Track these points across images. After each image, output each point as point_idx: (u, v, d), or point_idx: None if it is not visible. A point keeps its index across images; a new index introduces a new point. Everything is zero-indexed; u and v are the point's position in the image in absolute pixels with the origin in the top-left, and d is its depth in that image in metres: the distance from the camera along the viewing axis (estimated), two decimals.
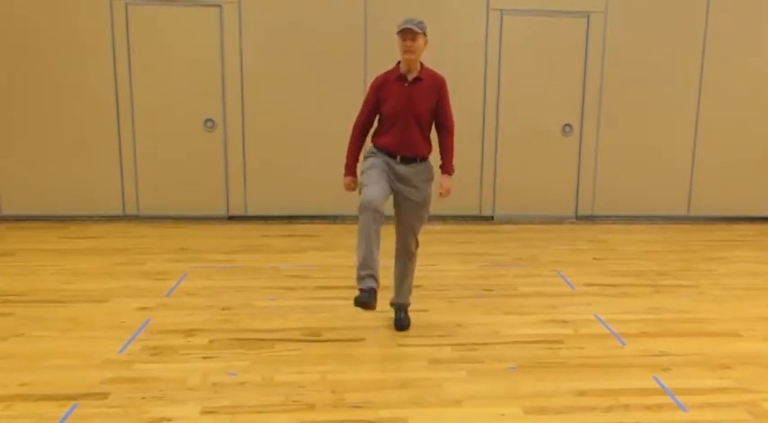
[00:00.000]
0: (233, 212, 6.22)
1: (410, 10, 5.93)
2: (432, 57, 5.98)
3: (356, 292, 3.14)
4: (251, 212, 6.23)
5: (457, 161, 6.11)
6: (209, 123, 6.04)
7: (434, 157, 3.49)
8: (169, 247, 5.22)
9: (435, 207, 6.22)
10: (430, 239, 5.64)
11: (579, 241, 5.70)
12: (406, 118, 3.34)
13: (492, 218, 6.44)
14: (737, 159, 6.45)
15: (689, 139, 6.40)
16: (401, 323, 3.58)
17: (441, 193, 3.49)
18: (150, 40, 5.86)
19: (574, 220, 6.50)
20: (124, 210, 6.13)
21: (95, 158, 6.01)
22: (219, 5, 5.85)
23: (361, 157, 3.51)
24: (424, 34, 3.33)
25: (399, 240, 3.53)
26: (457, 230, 6.03)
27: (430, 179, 3.47)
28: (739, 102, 6.34)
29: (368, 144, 3.53)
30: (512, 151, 6.31)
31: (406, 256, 3.54)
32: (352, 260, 4.17)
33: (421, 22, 3.32)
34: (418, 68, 3.38)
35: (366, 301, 3.06)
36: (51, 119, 5.92)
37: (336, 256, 5.00)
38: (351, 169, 3.49)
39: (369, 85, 3.51)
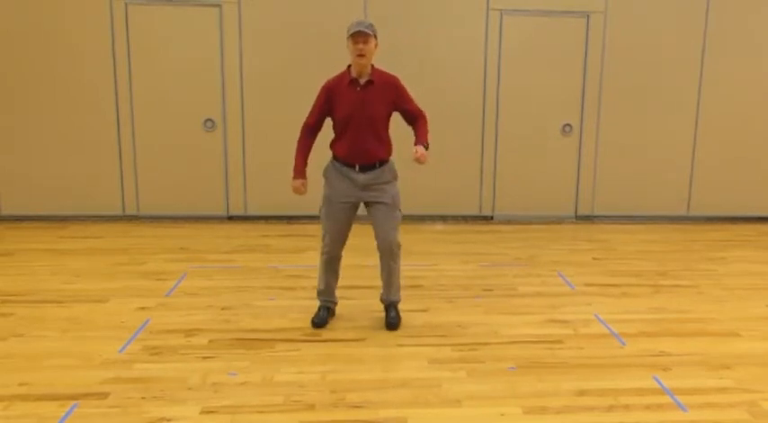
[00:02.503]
0: (233, 212, 6.22)
1: (410, 10, 5.98)
2: (432, 57, 6.04)
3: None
4: (251, 212, 6.23)
5: (456, 161, 6.23)
6: (209, 123, 6.04)
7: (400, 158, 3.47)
8: (169, 247, 5.22)
9: (435, 207, 6.31)
10: (430, 239, 5.65)
11: (579, 241, 5.70)
12: (359, 122, 3.33)
13: (491, 218, 6.44)
14: (737, 159, 6.45)
15: (689, 138, 6.40)
16: (392, 322, 3.57)
17: (414, 158, 3.21)
18: (150, 40, 5.86)
19: (573, 220, 6.50)
20: (124, 210, 6.13)
21: (95, 158, 6.01)
22: (219, 5, 5.85)
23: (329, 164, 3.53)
24: (375, 37, 3.31)
25: (380, 244, 3.50)
26: (456, 230, 6.03)
27: (393, 179, 3.46)
28: (739, 101, 6.34)
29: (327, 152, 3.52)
30: (512, 151, 6.31)
31: (389, 258, 3.53)
32: (350, 261, 4.23)
33: (371, 25, 3.30)
34: (369, 71, 3.36)
35: (320, 322, 3.59)
36: (51, 119, 5.92)
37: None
38: (299, 172, 3.52)
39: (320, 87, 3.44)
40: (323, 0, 5.91)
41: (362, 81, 3.35)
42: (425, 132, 3.44)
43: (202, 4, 5.84)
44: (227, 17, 5.87)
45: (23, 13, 5.73)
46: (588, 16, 6.13)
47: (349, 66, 3.39)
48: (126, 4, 5.78)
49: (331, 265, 3.58)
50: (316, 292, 3.72)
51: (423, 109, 3.49)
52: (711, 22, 6.18)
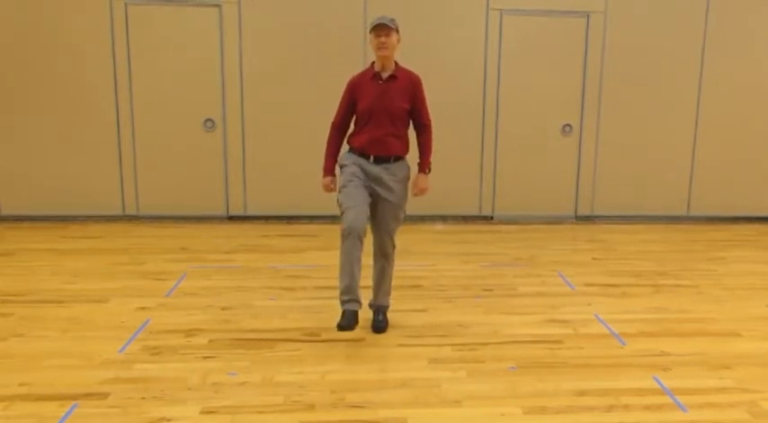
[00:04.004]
0: (233, 212, 6.22)
1: (410, 10, 5.97)
2: (432, 56, 6.04)
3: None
4: (250, 212, 6.23)
5: (456, 161, 6.23)
6: (209, 123, 6.04)
7: (414, 158, 3.50)
8: (169, 247, 5.22)
9: (435, 207, 6.30)
10: (430, 239, 5.65)
11: (579, 241, 5.70)
12: (379, 116, 3.34)
13: (491, 218, 6.44)
14: (737, 159, 6.45)
15: (689, 138, 6.40)
16: (378, 325, 3.56)
17: (414, 193, 3.49)
18: (150, 40, 5.85)
19: (573, 220, 6.50)
20: (124, 210, 6.13)
21: (95, 158, 6.01)
22: (219, 5, 5.85)
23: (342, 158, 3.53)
24: (397, 31, 3.35)
25: (376, 241, 3.52)
26: (456, 230, 6.03)
27: (405, 179, 3.47)
28: (739, 101, 6.34)
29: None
30: (512, 151, 6.31)
31: (383, 258, 3.53)
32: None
33: (393, 20, 3.34)
34: (393, 67, 3.39)
35: (347, 326, 3.26)
36: (51, 119, 5.92)
37: (336, 257, 4.95)
38: (329, 170, 3.50)
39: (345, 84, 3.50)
40: (323, 0, 5.91)
41: (385, 75, 3.37)
42: (429, 151, 3.50)
43: (202, 4, 5.84)
44: (227, 17, 5.87)
45: (23, 13, 5.73)
46: (588, 16, 6.13)
47: (373, 62, 3.42)
48: (126, 4, 5.78)
49: (353, 249, 3.21)
50: (338, 293, 3.34)
51: (431, 120, 3.53)
52: (711, 22, 6.18)
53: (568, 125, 6.31)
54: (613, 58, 6.20)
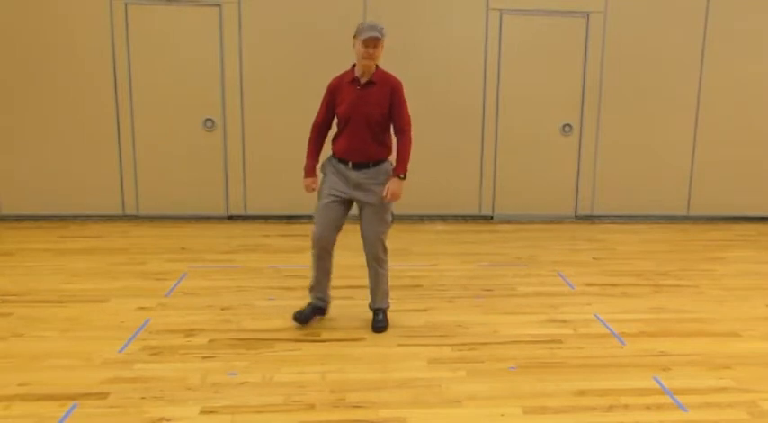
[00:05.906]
0: (232, 212, 6.22)
1: (410, 10, 5.98)
2: (432, 56, 6.04)
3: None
4: (250, 212, 6.23)
5: (456, 161, 6.21)
6: (209, 123, 6.04)
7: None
8: (169, 247, 5.22)
9: (435, 207, 6.31)
10: (430, 239, 5.64)
11: (579, 241, 5.70)
12: (357, 121, 3.34)
13: (491, 217, 6.44)
14: (737, 159, 6.45)
15: (688, 138, 6.40)
16: (378, 325, 3.56)
17: (387, 198, 3.37)
18: (150, 40, 5.85)
19: (573, 219, 6.50)
20: (124, 210, 6.13)
21: (95, 158, 6.01)
22: (219, 5, 5.85)
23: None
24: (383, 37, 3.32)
25: (366, 247, 3.51)
26: (456, 230, 6.03)
27: (387, 181, 3.42)
28: (739, 101, 6.34)
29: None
30: (511, 151, 6.31)
31: (375, 263, 3.53)
32: (350, 261, 4.23)
33: (383, 28, 3.29)
34: (372, 72, 3.36)
35: (299, 318, 3.56)
36: (51, 119, 5.92)
37: (335, 256, 4.98)
38: (310, 171, 3.51)
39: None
40: (323, 0, 5.91)
41: (363, 81, 3.36)
42: (406, 158, 3.42)
43: (202, 4, 5.84)
44: (227, 17, 5.87)
45: (23, 14, 5.73)
46: (588, 16, 6.13)
47: (353, 65, 3.40)
48: (126, 4, 5.78)
49: (320, 261, 3.51)
50: (309, 286, 3.64)
51: (410, 125, 3.44)
52: (711, 22, 6.18)
53: (568, 125, 6.31)
54: (613, 58, 6.20)
